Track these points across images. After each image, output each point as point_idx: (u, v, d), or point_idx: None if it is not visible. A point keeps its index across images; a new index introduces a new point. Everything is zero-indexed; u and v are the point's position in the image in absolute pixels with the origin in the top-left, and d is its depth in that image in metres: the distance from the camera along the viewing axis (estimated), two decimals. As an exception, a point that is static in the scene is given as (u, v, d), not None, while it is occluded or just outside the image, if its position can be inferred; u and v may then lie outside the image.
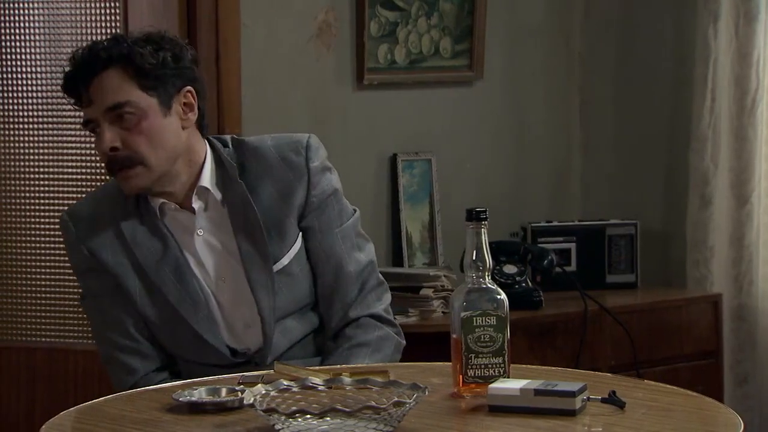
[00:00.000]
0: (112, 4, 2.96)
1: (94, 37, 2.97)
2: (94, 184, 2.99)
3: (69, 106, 2.96)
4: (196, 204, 2.10)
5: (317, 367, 1.97)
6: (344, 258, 2.14)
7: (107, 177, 2.96)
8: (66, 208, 2.27)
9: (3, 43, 3.03)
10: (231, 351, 2.11)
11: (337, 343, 2.15)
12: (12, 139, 3.05)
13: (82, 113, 2.11)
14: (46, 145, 3.03)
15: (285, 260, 2.11)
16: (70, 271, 2.96)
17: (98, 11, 2.97)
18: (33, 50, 3.02)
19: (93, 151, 3.00)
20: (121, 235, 2.09)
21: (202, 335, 2.08)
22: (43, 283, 3.03)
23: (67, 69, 2.07)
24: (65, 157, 3.02)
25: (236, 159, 2.11)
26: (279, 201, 2.10)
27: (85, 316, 2.99)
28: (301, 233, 2.13)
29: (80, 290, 2.20)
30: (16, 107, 3.04)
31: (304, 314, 2.16)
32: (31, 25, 3.02)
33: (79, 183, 3.01)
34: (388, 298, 2.21)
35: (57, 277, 3.02)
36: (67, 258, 2.21)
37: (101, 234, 2.10)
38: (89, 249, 2.10)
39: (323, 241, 2.14)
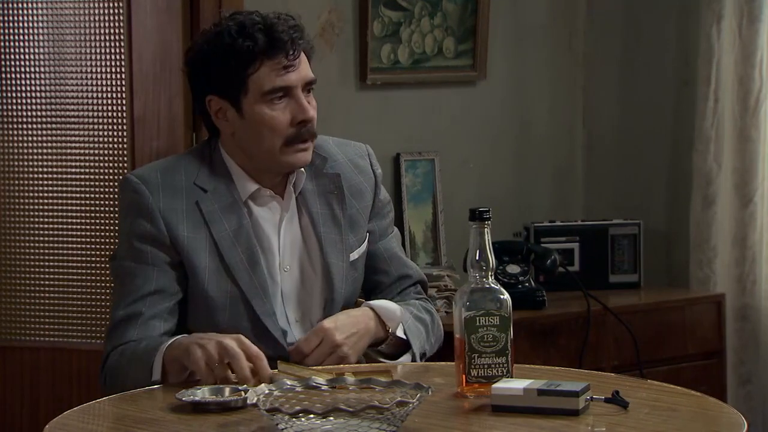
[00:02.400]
0: (116, 4, 2.96)
1: (97, 37, 2.98)
2: (97, 182, 2.99)
3: (73, 106, 3.02)
4: (291, 188, 2.11)
5: (320, 367, 1.97)
6: (403, 258, 2.25)
7: (111, 176, 2.99)
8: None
9: (7, 43, 3.03)
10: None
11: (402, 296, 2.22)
12: (15, 138, 3.05)
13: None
14: (49, 144, 3.03)
15: (355, 254, 2.16)
16: (74, 270, 3.02)
17: (101, 11, 2.97)
18: (36, 50, 3.02)
19: (96, 150, 3.02)
20: (199, 210, 2.07)
21: (264, 323, 2.07)
22: (46, 282, 3.04)
23: (256, 29, 2.03)
24: (68, 157, 3.02)
25: None
26: (350, 198, 2.16)
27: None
28: (367, 235, 2.20)
29: (116, 251, 2.10)
30: (19, 107, 3.04)
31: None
32: (35, 24, 3.02)
33: (83, 182, 3.01)
34: None
35: (60, 276, 3.03)
36: (108, 230, 2.11)
37: (180, 205, 2.07)
38: (166, 219, 2.05)
39: (385, 245, 2.22)
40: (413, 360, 2.11)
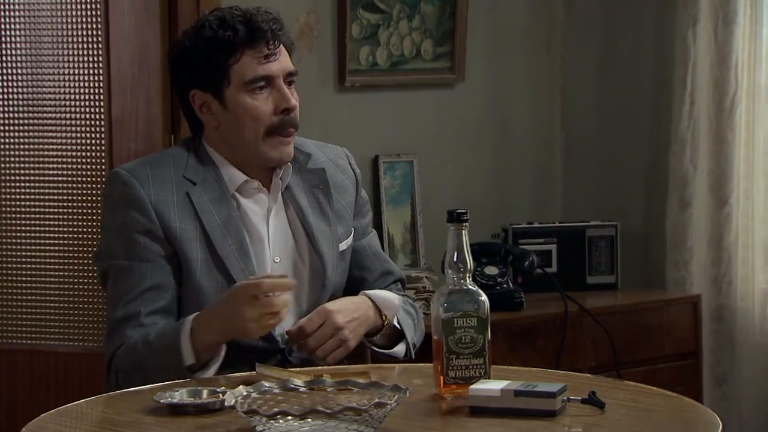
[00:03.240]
0: (93, 5, 2.95)
1: (75, 38, 2.97)
2: (75, 184, 2.98)
3: (50, 108, 3.00)
4: (279, 180, 2.13)
5: (298, 369, 1.97)
6: (385, 255, 2.29)
7: (89, 178, 2.98)
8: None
9: (-17, 45, 3.02)
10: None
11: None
12: (-8, 140, 3.04)
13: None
14: (26, 146, 3.02)
15: (344, 245, 2.19)
16: (51, 272, 3.00)
17: (79, 12, 2.96)
18: (13, 51, 3.00)
19: (74, 152, 3.01)
20: (190, 201, 2.07)
21: None
22: (24, 284, 3.02)
23: (236, 21, 2.07)
24: (46, 159, 3.00)
25: None
26: (335, 193, 2.19)
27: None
28: (353, 230, 2.22)
29: (103, 248, 2.08)
30: (-4, 109, 3.03)
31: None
32: (11, 25, 3.01)
33: (60, 184, 3.00)
34: None
35: (38, 278, 3.01)
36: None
37: (170, 197, 2.07)
38: (158, 210, 2.05)
39: (367, 241, 2.25)
40: (407, 351, 2.13)
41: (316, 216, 2.15)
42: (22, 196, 3.02)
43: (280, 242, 2.13)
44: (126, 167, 2.11)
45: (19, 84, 3.01)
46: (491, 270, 3.21)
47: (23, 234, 3.02)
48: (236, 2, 3.08)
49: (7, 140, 3.03)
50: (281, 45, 2.11)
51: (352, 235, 2.21)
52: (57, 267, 3.00)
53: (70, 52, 2.97)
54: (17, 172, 3.02)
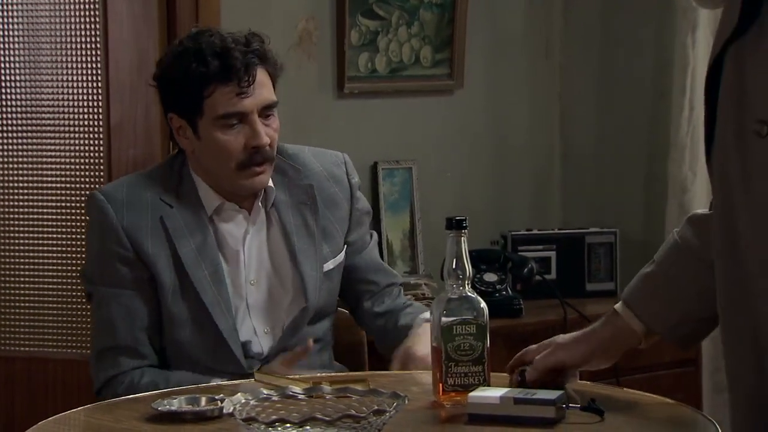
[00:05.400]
0: (92, 12, 2.95)
1: (73, 45, 2.97)
2: (73, 191, 2.98)
3: (48, 114, 3.00)
4: (259, 204, 2.11)
5: (297, 376, 1.97)
6: (385, 266, 2.29)
7: (88, 185, 2.97)
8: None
9: (-18, 51, 3.02)
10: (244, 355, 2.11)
11: (403, 312, 2.23)
12: (-9, 147, 3.03)
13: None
14: (24, 153, 3.01)
15: (330, 265, 2.17)
16: (49, 279, 3.00)
17: (77, 18, 2.96)
18: (12, 58, 3.00)
19: (73, 159, 3.00)
20: (163, 226, 2.07)
21: (227, 340, 2.07)
22: (21, 292, 3.01)
23: (211, 53, 2.03)
24: (44, 166, 3.00)
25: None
26: (324, 209, 2.17)
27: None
28: (346, 246, 2.20)
29: (87, 270, 2.12)
30: (-5, 115, 3.03)
31: (319, 322, 2.18)
32: (10, 32, 3.00)
33: (58, 191, 2.99)
34: None
35: (36, 285, 3.01)
36: (84, 241, 2.13)
37: (143, 221, 2.07)
38: (130, 235, 2.06)
39: (369, 254, 2.24)
40: None
41: (300, 235, 2.14)
42: (20, 203, 3.01)
43: (258, 263, 2.12)
44: (103, 190, 2.12)
45: (18, 90, 3.00)
46: (490, 277, 3.20)
47: (21, 240, 3.01)
48: (237, 8, 3.09)
49: (5, 146, 3.02)
50: (263, 76, 2.07)
51: (342, 253, 2.19)
52: (55, 274, 2.99)
53: (69, 58, 2.97)
54: (15, 178, 3.02)
